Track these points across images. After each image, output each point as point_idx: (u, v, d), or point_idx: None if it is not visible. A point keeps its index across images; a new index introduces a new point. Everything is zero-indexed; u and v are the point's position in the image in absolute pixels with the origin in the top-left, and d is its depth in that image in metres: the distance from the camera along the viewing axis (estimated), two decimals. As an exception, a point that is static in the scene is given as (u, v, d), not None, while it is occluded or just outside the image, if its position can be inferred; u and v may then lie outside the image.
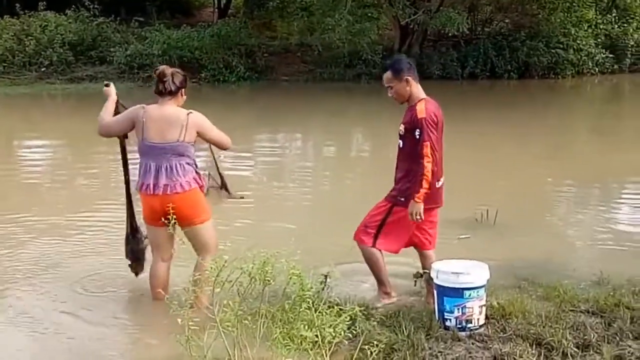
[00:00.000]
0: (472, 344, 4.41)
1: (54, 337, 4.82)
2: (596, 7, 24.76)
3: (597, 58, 23.88)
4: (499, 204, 7.46)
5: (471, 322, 4.55)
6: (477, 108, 18.00)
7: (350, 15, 20.82)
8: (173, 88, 4.97)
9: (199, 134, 4.99)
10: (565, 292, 5.14)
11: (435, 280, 4.66)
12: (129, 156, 5.47)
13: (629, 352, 4.22)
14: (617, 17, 24.84)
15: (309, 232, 7.01)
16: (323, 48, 22.73)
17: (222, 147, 5.24)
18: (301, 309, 3.88)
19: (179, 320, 3.68)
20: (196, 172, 5.00)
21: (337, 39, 21.07)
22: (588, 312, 4.85)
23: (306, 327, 3.80)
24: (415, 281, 5.23)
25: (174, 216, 4.46)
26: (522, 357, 4.13)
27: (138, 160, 5.01)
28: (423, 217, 4.88)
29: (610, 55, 24.18)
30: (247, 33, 23.84)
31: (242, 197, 5.40)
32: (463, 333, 4.51)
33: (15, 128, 15.51)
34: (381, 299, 5.12)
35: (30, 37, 22.28)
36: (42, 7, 23.26)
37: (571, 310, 4.86)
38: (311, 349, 3.77)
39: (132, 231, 5.51)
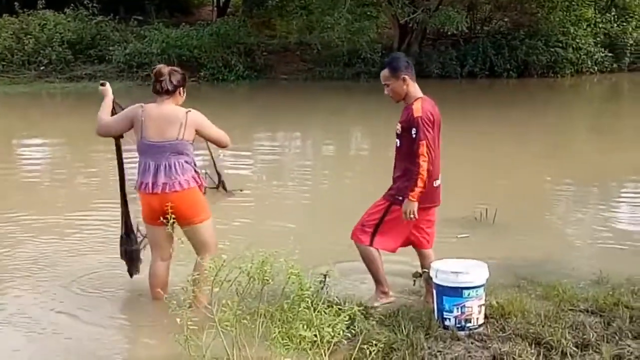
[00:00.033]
0: (472, 343, 4.40)
1: (52, 337, 4.81)
2: (595, 6, 24.75)
3: (596, 57, 23.88)
4: (498, 203, 7.46)
5: (470, 322, 4.55)
6: (476, 107, 18.01)
7: (350, 14, 20.82)
8: (170, 87, 4.97)
9: (198, 132, 4.99)
10: (565, 292, 5.13)
11: (434, 280, 4.65)
12: (125, 155, 5.45)
13: (628, 352, 4.21)
14: (616, 16, 24.83)
15: (308, 231, 7.00)
16: (322, 47, 22.72)
17: (221, 145, 5.23)
18: (300, 309, 3.87)
19: (178, 319, 3.67)
20: (195, 170, 5.00)
21: (336, 38, 21.07)
22: (587, 311, 4.84)
23: (305, 326, 3.79)
24: (415, 280, 5.23)
25: (173, 215, 4.45)
26: (521, 357, 4.12)
27: (133, 160, 5.00)
28: (417, 216, 4.87)
29: (610, 54, 24.18)
30: (246, 32, 23.83)
31: (241, 190, 5.38)
32: (462, 332, 4.51)
33: (14, 127, 15.49)
34: (378, 299, 5.10)
35: (29, 36, 22.27)
36: (41, 6, 23.24)
37: (570, 310, 4.85)
38: (310, 349, 3.76)
39: (127, 232, 5.49)
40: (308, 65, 23.69)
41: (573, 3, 23.86)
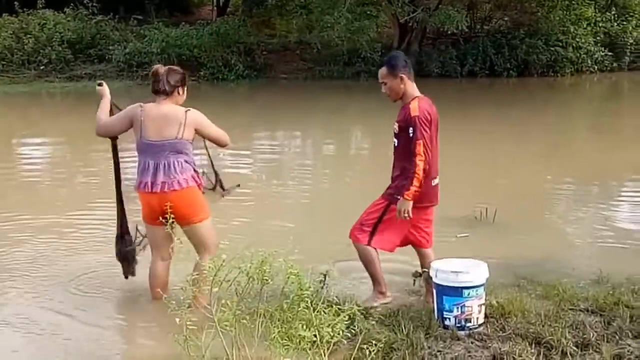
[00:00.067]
0: (472, 343, 4.40)
1: (51, 338, 4.80)
2: (595, 5, 24.71)
3: (596, 56, 23.87)
4: (498, 202, 7.45)
5: (470, 321, 4.54)
6: (476, 106, 18.00)
7: (349, 13, 20.81)
8: (167, 87, 4.97)
9: (197, 132, 4.99)
10: (565, 291, 5.13)
11: (434, 279, 4.64)
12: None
13: (628, 351, 4.20)
14: (616, 15, 24.81)
15: (308, 231, 7.00)
16: (322, 46, 22.71)
17: (220, 145, 5.22)
18: (299, 309, 3.87)
19: (177, 319, 3.66)
20: (194, 170, 4.99)
21: (336, 37, 21.05)
22: (587, 310, 4.84)
23: (304, 326, 3.78)
24: (415, 280, 5.23)
25: (172, 215, 4.44)
26: (521, 356, 4.12)
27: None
28: (411, 215, 4.86)
29: (610, 53, 24.16)
30: (246, 31, 23.80)
31: (238, 186, 5.37)
32: (462, 332, 4.50)
33: (14, 126, 15.49)
34: (376, 299, 5.07)
35: (29, 36, 22.25)
36: (40, 5, 23.22)
37: (570, 309, 4.85)
38: (310, 349, 3.75)
39: (122, 233, 5.48)
40: (308, 64, 23.68)
41: (573, 2, 23.84)
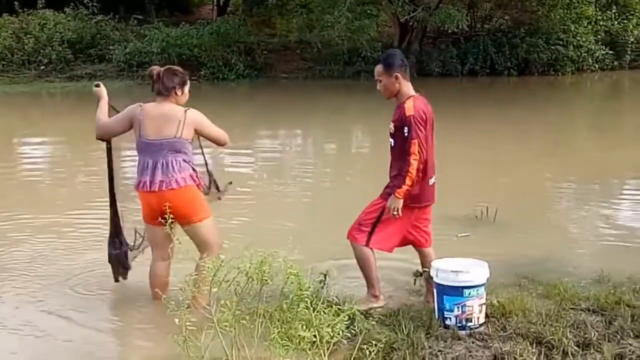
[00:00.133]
0: (472, 342, 4.39)
1: (51, 340, 4.77)
2: (596, 4, 24.69)
3: (597, 55, 23.85)
4: (498, 202, 7.44)
5: (471, 321, 4.53)
6: (476, 105, 17.99)
7: (350, 13, 20.78)
8: (162, 89, 4.98)
9: (197, 131, 5.00)
10: (566, 290, 5.12)
11: (434, 279, 4.63)
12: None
13: (629, 351, 4.20)
14: (617, 14, 24.79)
15: (308, 230, 6.99)
16: (322, 45, 22.69)
17: (219, 144, 5.23)
18: (299, 309, 3.85)
19: (176, 320, 3.65)
20: (193, 169, 4.98)
21: (336, 36, 21.03)
22: (589, 310, 4.83)
23: (304, 326, 3.77)
24: (415, 279, 5.21)
25: (172, 215, 4.43)
26: (522, 356, 4.11)
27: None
28: (400, 213, 4.84)
29: (610, 52, 24.15)
30: (246, 30, 23.80)
31: (230, 183, 5.36)
32: (463, 332, 4.49)
33: (14, 126, 15.49)
34: (368, 302, 4.99)
35: (29, 35, 22.26)
36: (40, 5, 23.23)
37: (572, 309, 4.84)
38: (309, 349, 3.74)
39: (114, 235, 5.46)
40: (308, 64, 23.67)
41: (574, 1, 23.80)
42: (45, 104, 19.69)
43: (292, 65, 23.81)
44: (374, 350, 3.81)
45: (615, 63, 24.32)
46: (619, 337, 4.38)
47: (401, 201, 4.80)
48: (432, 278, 4.69)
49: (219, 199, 5.28)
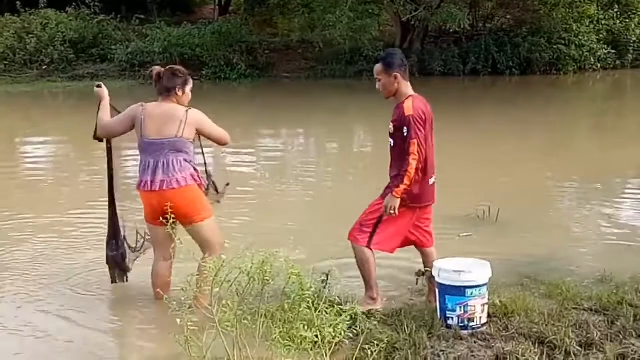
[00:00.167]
0: (475, 342, 4.38)
1: (53, 340, 4.77)
2: (598, 3, 24.69)
3: (599, 54, 23.84)
4: (500, 201, 7.43)
5: (473, 321, 4.52)
6: (478, 104, 17.98)
7: (351, 12, 20.77)
8: (162, 89, 5.00)
9: (198, 131, 5.00)
10: (568, 290, 5.11)
11: (437, 279, 4.62)
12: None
13: (632, 351, 4.19)
14: (619, 13, 24.78)
15: (310, 230, 6.99)
16: (324, 45, 22.67)
17: (220, 144, 5.24)
18: (301, 309, 3.85)
19: (178, 320, 3.64)
20: (194, 169, 4.98)
21: (338, 36, 21.01)
22: (591, 310, 4.82)
23: (306, 327, 3.76)
24: (417, 279, 5.20)
25: (173, 215, 4.42)
26: (524, 356, 4.10)
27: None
28: (397, 213, 4.83)
29: (612, 51, 24.15)
30: (248, 30, 23.82)
31: (227, 185, 5.36)
32: (465, 332, 4.48)
33: (16, 126, 15.50)
34: (366, 304, 4.95)
35: (31, 35, 22.28)
36: (42, 5, 23.26)
37: (574, 308, 4.83)
38: (311, 349, 3.74)
39: (112, 236, 5.45)
40: (310, 63, 23.67)
41: (575, 0, 23.79)
42: (47, 104, 19.70)
43: (294, 64, 23.81)
44: (376, 350, 3.80)
45: (617, 62, 24.33)
46: (621, 337, 4.37)
47: (398, 200, 4.80)
48: (434, 278, 4.68)
49: (218, 201, 5.26)
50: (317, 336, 3.76)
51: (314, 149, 13.65)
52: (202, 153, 5.31)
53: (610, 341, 4.29)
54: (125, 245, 5.48)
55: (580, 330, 4.44)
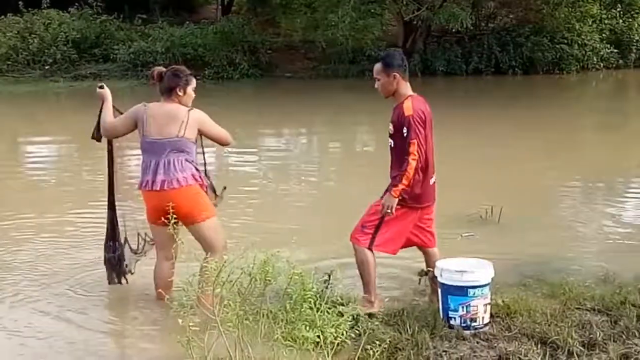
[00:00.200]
0: (477, 342, 4.38)
1: (52, 341, 4.75)
2: (601, 2, 24.63)
3: (601, 53, 23.80)
4: (503, 201, 7.40)
5: (476, 321, 4.52)
6: (481, 104, 17.95)
7: (354, 12, 20.73)
8: (163, 89, 5.01)
9: (200, 131, 5.00)
10: (571, 290, 5.09)
11: (439, 279, 4.62)
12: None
13: (635, 351, 4.18)
14: (621, 12, 24.74)
15: (313, 230, 6.99)
16: (327, 45, 22.64)
17: (222, 144, 5.26)
18: (303, 309, 3.84)
19: (180, 321, 3.64)
20: (196, 169, 4.98)
21: (340, 36, 20.97)
22: (594, 310, 4.81)
23: (308, 327, 3.76)
24: (420, 279, 5.20)
25: (175, 215, 4.42)
26: (527, 356, 4.10)
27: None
28: (394, 212, 4.82)
29: (615, 50, 24.11)
30: (250, 30, 23.78)
31: (224, 188, 5.36)
32: (468, 332, 4.48)
33: (19, 126, 15.51)
34: (363, 306, 4.89)
35: (33, 35, 22.26)
36: (45, 5, 23.23)
37: (577, 309, 4.82)
38: (313, 349, 3.73)
39: (110, 238, 5.45)
40: (312, 63, 23.65)
41: (578, -1, 23.80)
42: (50, 104, 19.69)
43: (297, 64, 23.80)
44: (378, 351, 3.78)
45: (620, 62, 24.29)
46: (624, 337, 4.36)
47: (396, 200, 4.79)
48: (436, 278, 4.67)
49: (215, 205, 5.25)
50: (319, 336, 3.76)
51: (316, 149, 13.64)
52: (203, 153, 5.31)
53: (613, 341, 4.29)
54: (127, 247, 5.48)
55: (583, 330, 4.44)
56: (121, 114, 5.21)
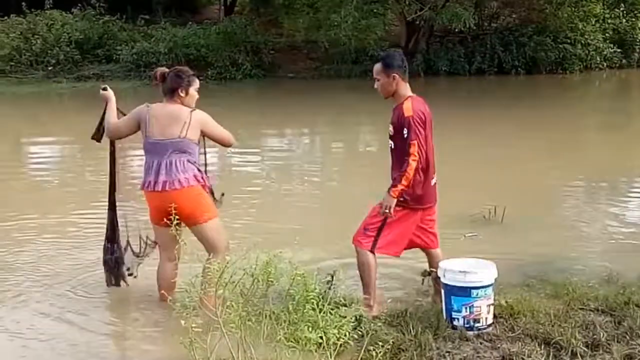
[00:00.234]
0: (480, 343, 4.37)
1: (54, 343, 4.75)
2: (604, 2, 24.61)
3: (605, 53, 23.78)
4: (506, 201, 7.39)
5: (479, 322, 4.51)
6: (484, 104, 17.93)
7: (357, 12, 20.71)
8: (166, 89, 5.01)
9: (202, 132, 5.00)
10: (574, 290, 5.08)
11: (442, 279, 4.61)
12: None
13: (639, 351, 4.16)
14: (625, 12, 24.71)
15: (316, 230, 6.97)
16: (329, 45, 22.65)
17: (225, 145, 5.26)
18: (305, 310, 3.84)
19: (182, 322, 3.63)
20: (198, 170, 4.97)
21: (343, 36, 20.96)
22: (597, 310, 4.80)
23: (310, 328, 3.75)
24: (423, 280, 5.19)
25: (177, 216, 4.41)
26: (530, 357, 4.09)
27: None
28: (392, 213, 4.81)
29: (618, 50, 24.08)
30: (253, 30, 23.79)
31: (222, 195, 5.35)
32: (471, 332, 4.47)
33: (23, 127, 15.51)
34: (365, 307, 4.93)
35: (36, 36, 22.29)
36: (48, 6, 23.26)
37: (580, 309, 4.81)
38: (316, 350, 3.73)
39: (109, 239, 5.46)
40: (315, 63, 23.65)
41: (581, -1, 23.77)
42: (53, 105, 19.70)
43: (299, 64, 23.80)
44: (381, 352, 3.78)
45: (624, 61, 24.27)
46: (628, 337, 4.35)
47: (395, 200, 4.78)
48: (439, 278, 4.66)
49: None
50: (321, 337, 3.76)
51: (319, 149, 13.63)
52: (205, 154, 5.30)
53: (617, 342, 4.27)
54: (130, 249, 5.48)
55: (587, 330, 4.43)
56: (125, 115, 5.22)
